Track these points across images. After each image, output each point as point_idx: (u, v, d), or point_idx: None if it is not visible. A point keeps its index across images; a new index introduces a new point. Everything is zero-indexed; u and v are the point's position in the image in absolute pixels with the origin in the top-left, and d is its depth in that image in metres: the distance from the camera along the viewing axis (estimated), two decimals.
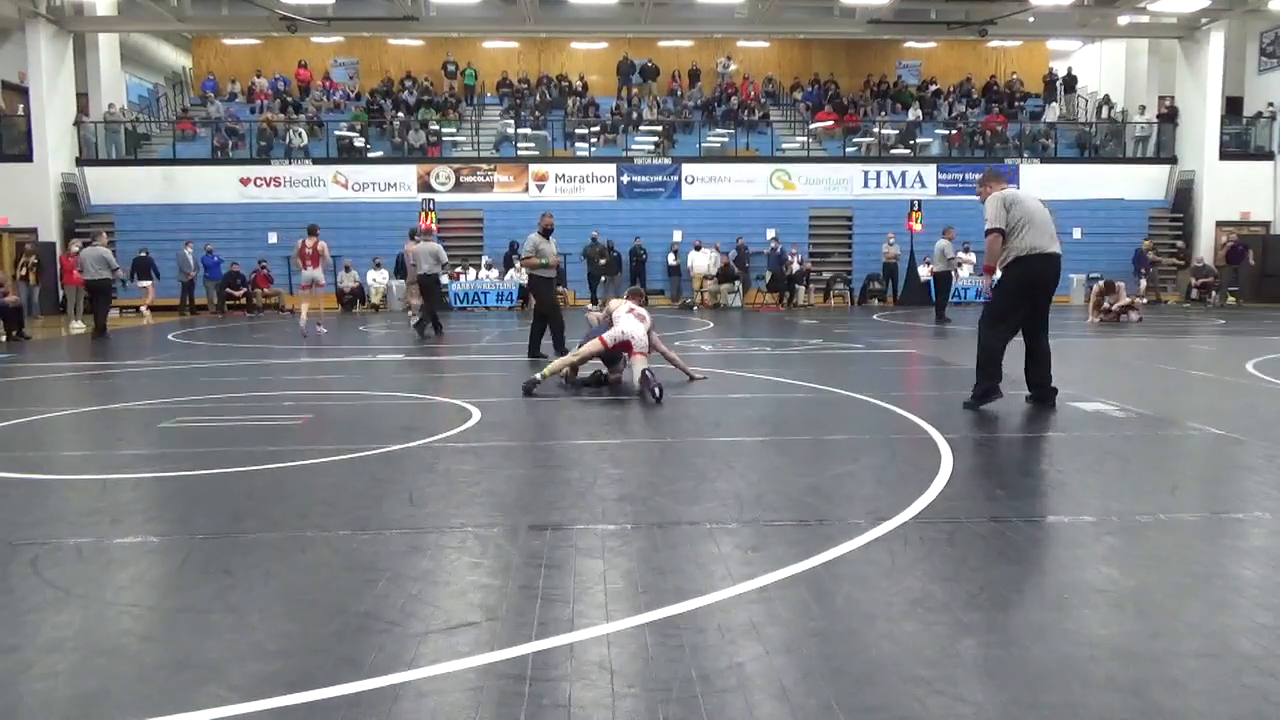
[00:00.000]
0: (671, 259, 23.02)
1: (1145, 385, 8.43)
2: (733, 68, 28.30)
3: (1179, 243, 24.10)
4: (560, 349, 9.94)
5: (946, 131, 26.05)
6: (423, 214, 21.77)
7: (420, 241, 15.25)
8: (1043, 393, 6.79)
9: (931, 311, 17.42)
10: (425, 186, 23.71)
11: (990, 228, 6.64)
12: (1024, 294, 6.63)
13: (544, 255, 10.46)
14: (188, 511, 4.20)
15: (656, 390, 7.11)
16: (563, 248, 22.58)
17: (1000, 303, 6.71)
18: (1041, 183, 24.27)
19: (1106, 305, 15.87)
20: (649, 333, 7.98)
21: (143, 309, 20.24)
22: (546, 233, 10.58)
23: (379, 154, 24.82)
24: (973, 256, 20.30)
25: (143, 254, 20.67)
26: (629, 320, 7.88)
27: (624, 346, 7.71)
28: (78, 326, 17.13)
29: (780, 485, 4.50)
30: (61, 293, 19.52)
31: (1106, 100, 26.99)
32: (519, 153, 24.84)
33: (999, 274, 6.67)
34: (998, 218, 6.60)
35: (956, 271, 19.55)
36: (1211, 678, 2.41)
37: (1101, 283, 16.49)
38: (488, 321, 17.64)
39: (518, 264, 11.43)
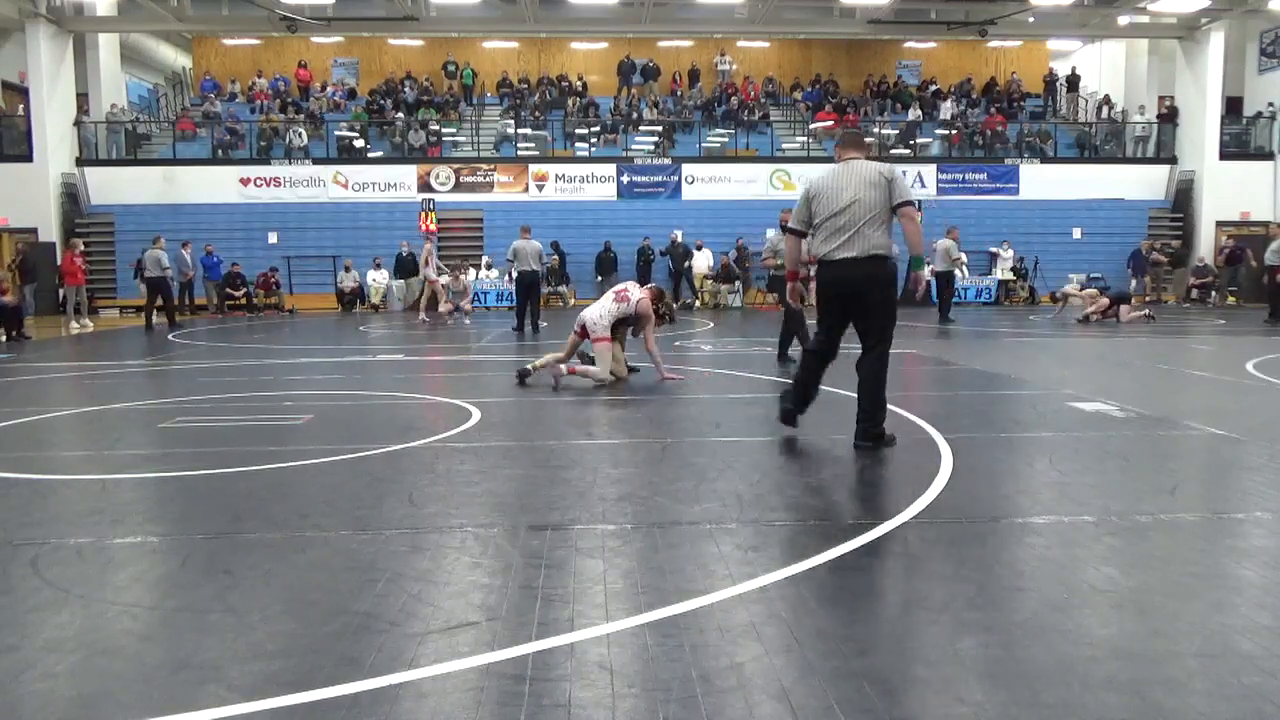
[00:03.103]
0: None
1: (1145, 385, 8.43)
2: (734, 67, 28.28)
3: (1176, 242, 24.10)
4: (805, 345, 9.91)
5: (946, 132, 26.04)
6: (422, 214, 21.76)
7: (527, 239, 15.17)
8: (860, 432, 5.28)
9: (932, 311, 17.45)
10: (425, 186, 23.67)
11: (789, 226, 5.52)
12: (825, 304, 5.43)
13: (782, 254, 10.25)
14: (188, 511, 4.21)
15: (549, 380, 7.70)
16: (566, 248, 23.02)
17: (818, 311, 5.56)
18: (1041, 183, 24.42)
19: (1091, 301, 16.24)
20: (629, 322, 8.16)
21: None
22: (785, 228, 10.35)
23: (379, 154, 24.79)
24: (963, 255, 20.47)
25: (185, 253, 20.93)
26: (599, 304, 8.20)
27: (582, 331, 8.10)
28: (77, 327, 17.16)
29: (780, 485, 4.50)
30: (61, 293, 19.52)
31: (1107, 100, 26.98)
32: (519, 153, 24.80)
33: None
34: (797, 214, 5.44)
35: (963, 270, 19.67)
36: (1211, 678, 2.41)
37: (1064, 289, 17.66)
38: (488, 321, 17.64)
39: (761, 263, 11.36)
